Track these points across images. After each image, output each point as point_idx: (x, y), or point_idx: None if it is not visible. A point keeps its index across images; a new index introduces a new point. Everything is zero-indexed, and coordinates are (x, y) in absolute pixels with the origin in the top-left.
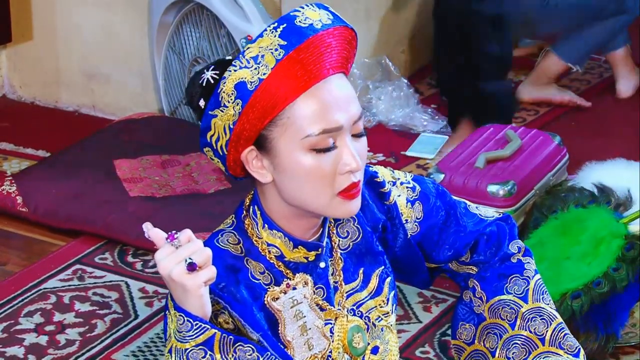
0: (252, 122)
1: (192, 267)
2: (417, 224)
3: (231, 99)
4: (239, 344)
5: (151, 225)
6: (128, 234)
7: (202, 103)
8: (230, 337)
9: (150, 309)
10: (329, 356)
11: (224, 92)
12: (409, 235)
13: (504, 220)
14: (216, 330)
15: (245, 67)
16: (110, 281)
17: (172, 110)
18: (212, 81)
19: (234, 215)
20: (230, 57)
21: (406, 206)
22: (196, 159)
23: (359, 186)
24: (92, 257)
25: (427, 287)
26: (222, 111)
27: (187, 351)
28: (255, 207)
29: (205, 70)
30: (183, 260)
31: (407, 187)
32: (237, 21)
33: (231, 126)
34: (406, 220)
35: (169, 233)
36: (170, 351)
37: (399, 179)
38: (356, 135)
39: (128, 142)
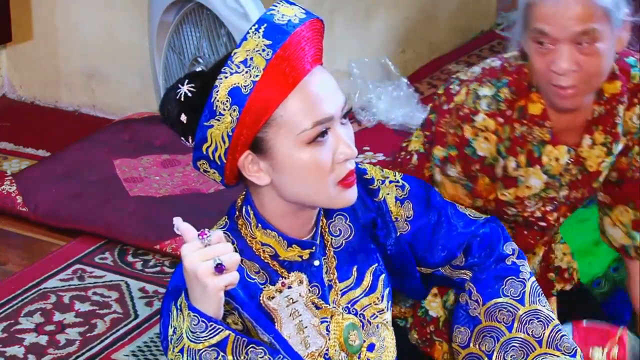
0: (248, 126)
1: (220, 268)
2: (407, 222)
3: (227, 106)
4: (251, 346)
5: (181, 219)
6: (128, 234)
7: (183, 118)
8: (244, 339)
9: (150, 309)
10: (326, 354)
11: (218, 100)
12: (399, 234)
13: (493, 222)
14: (230, 332)
15: (236, 72)
16: (110, 281)
17: None
18: (189, 94)
19: (226, 216)
20: (201, 69)
21: (395, 204)
22: None
23: (354, 174)
24: (92, 257)
25: (422, 297)
26: (219, 120)
27: (200, 352)
28: (248, 208)
29: (179, 85)
30: (211, 259)
31: (396, 186)
32: (237, 21)
33: (229, 133)
34: (396, 218)
35: (201, 230)
36: (181, 351)
37: (387, 177)
38: (343, 123)
39: (128, 142)
